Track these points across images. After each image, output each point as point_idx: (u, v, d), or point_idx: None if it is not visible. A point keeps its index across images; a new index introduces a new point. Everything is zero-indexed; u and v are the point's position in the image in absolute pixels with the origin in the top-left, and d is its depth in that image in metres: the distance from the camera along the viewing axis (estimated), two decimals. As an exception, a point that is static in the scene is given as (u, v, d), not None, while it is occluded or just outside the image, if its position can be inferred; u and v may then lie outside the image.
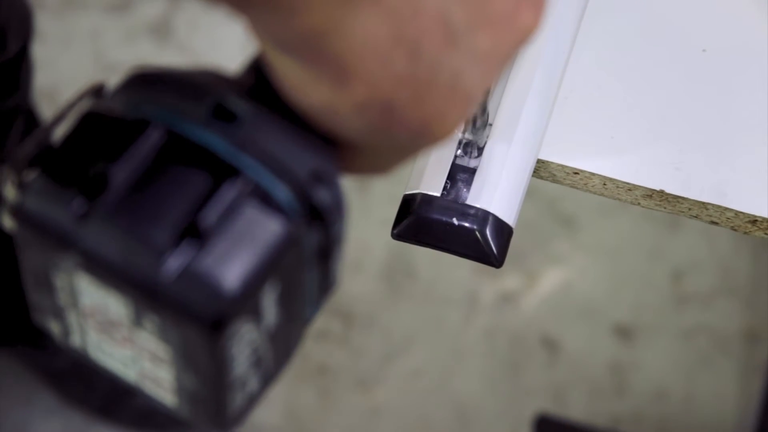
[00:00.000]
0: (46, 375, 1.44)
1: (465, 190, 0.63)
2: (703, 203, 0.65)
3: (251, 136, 0.44)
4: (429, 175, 0.64)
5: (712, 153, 0.67)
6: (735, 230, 0.66)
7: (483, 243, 0.62)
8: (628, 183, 0.66)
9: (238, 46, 1.67)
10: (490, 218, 0.63)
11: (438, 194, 0.63)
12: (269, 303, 0.44)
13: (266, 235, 0.43)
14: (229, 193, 0.43)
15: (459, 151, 0.64)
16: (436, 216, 0.63)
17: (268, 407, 1.47)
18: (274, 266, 0.43)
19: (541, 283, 1.55)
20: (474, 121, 0.64)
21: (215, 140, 0.43)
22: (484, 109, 0.64)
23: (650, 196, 0.66)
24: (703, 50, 0.70)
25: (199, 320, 0.42)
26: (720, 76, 0.69)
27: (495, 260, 0.63)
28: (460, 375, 1.50)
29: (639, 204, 0.67)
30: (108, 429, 1.43)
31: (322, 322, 1.50)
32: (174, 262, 0.42)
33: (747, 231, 0.66)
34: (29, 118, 1.22)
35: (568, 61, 0.69)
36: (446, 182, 0.64)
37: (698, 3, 0.72)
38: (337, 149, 0.46)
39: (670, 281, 1.55)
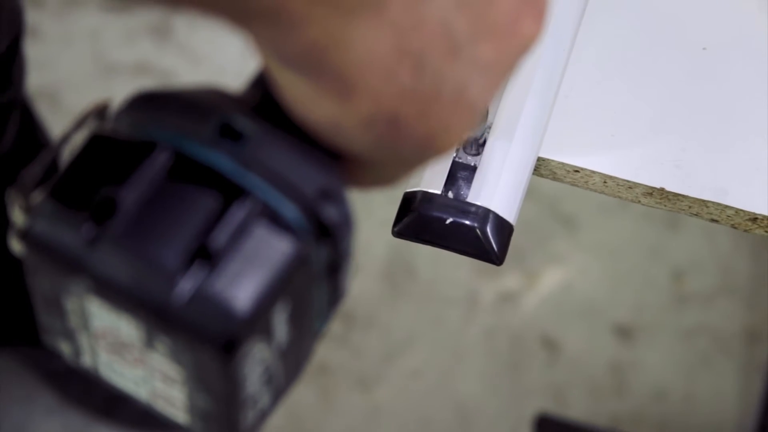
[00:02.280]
0: (46, 375, 1.43)
1: (465, 187, 0.63)
2: (704, 201, 0.65)
3: (258, 155, 0.44)
4: (429, 173, 0.64)
5: (712, 151, 0.67)
6: (735, 228, 0.66)
7: (483, 240, 0.62)
8: (628, 181, 0.66)
9: (238, 47, 1.67)
10: (491, 216, 0.63)
11: (438, 192, 0.63)
12: (280, 321, 0.44)
13: (276, 255, 0.43)
14: (238, 213, 0.43)
15: (459, 149, 0.64)
16: (437, 213, 0.63)
17: (268, 407, 1.46)
18: (285, 285, 0.43)
19: (541, 283, 1.55)
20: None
21: (222, 160, 0.43)
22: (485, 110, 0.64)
23: (650, 194, 0.66)
24: (704, 48, 0.70)
25: (211, 342, 0.42)
26: (720, 75, 0.69)
27: (495, 258, 0.63)
28: (460, 375, 1.50)
29: (639, 202, 0.67)
30: (108, 429, 1.43)
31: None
32: (185, 285, 0.42)
33: (747, 229, 0.66)
34: (24, 114, 1.22)
35: (568, 60, 0.69)
36: (447, 180, 0.64)
37: (698, 1, 0.72)
38: (342, 163, 0.46)
39: (670, 281, 1.55)
